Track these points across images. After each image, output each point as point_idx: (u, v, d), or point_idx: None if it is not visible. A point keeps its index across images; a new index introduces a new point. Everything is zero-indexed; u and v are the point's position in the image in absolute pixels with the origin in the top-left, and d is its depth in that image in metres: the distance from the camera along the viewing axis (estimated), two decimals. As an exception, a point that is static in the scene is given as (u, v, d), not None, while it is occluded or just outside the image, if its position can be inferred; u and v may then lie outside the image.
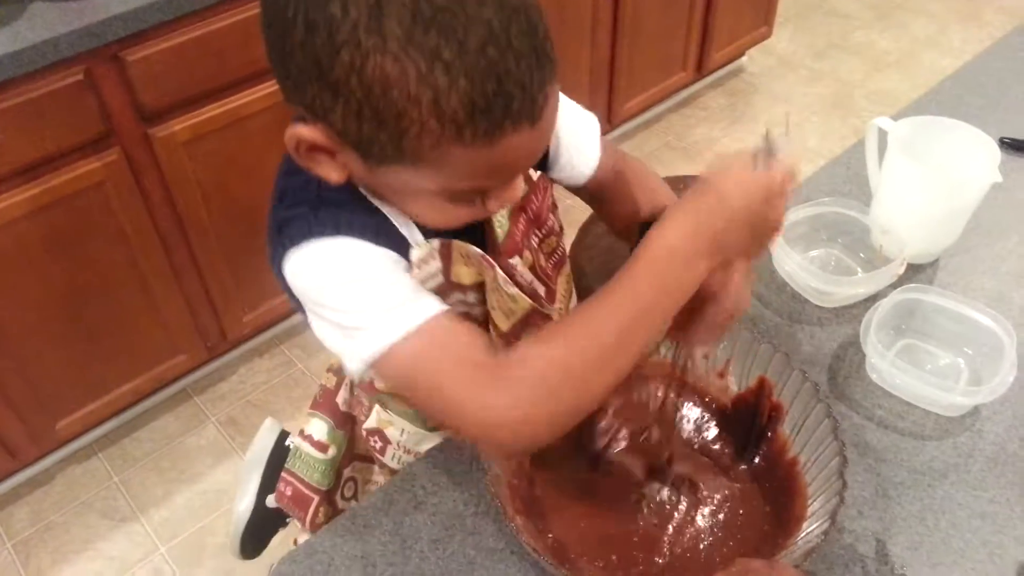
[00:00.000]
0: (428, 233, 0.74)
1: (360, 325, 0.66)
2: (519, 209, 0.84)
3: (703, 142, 2.91)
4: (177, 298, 1.87)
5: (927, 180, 1.05)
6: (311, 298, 0.70)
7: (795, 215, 1.11)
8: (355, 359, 0.67)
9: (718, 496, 0.83)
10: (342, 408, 1.05)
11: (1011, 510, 0.83)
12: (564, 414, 0.64)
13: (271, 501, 1.34)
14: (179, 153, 1.70)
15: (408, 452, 1.00)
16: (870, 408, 0.94)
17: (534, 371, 0.63)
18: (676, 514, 0.82)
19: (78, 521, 1.87)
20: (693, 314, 0.73)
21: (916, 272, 1.10)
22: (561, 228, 0.93)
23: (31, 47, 1.42)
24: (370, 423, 0.99)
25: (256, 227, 1.93)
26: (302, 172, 0.68)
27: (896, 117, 1.14)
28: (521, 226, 0.84)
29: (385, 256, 0.69)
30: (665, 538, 0.80)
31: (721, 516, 0.82)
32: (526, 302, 0.81)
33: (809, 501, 0.77)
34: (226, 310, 1.99)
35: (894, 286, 1.02)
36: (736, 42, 2.98)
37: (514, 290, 0.80)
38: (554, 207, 0.91)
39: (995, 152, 1.05)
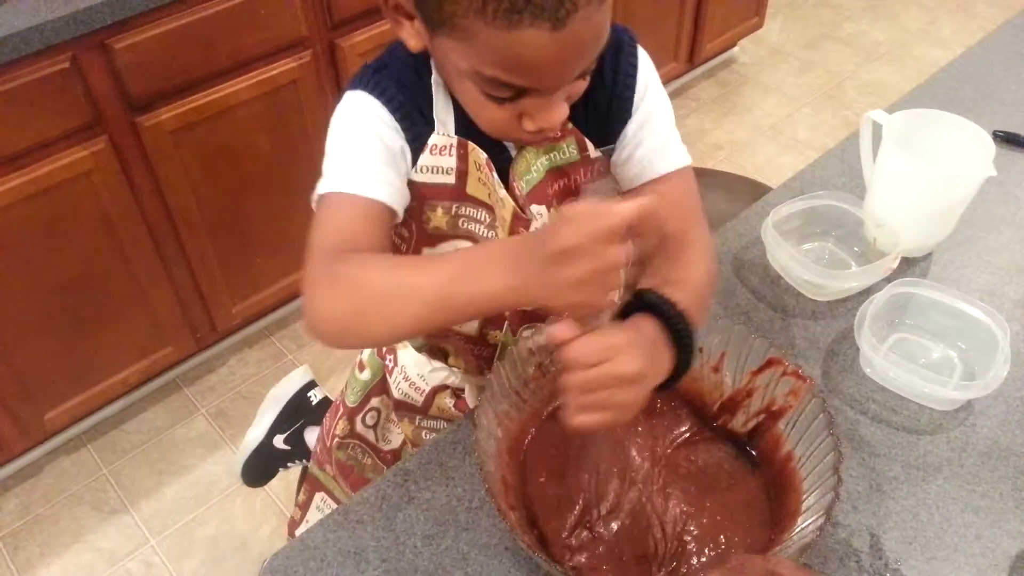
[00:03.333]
0: (461, 133, 0.81)
1: (326, 169, 0.78)
2: (560, 172, 0.86)
3: (694, 133, 2.90)
4: (166, 289, 1.86)
5: (921, 174, 1.05)
6: (329, 129, 0.81)
7: (789, 208, 1.11)
8: (314, 194, 0.78)
9: (713, 492, 0.83)
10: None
11: (1004, 504, 0.83)
12: (343, 323, 0.70)
13: (279, 442, 1.41)
14: (167, 142, 1.69)
15: (407, 379, 1.03)
16: (864, 402, 0.94)
17: (340, 277, 0.70)
18: (670, 510, 0.82)
19: (67, 513, 1.86)
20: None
21: (910, 266, 1.10)
22: None
23: (16, 34, 1.40)
24: None
25: (245, 217, 1.92)
26: (395, 45, 0.82)
27: (890, 109, 1.14)
28: (556, 187, 0.87)
29: (392, 139, 0.79)
30: (660, 534, 0.80)
31: (716, 512, 0.81)
32: (510, 204, 0.84)
33: (804, 496, 0.76)
34: (215, 301, 1.97)
35: (888, 280, 1.02)
36: (728, 32, 2.97)
37: (503, 193, 0.84)
38: None
39: (989, 146, 1.05)
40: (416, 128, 0.80)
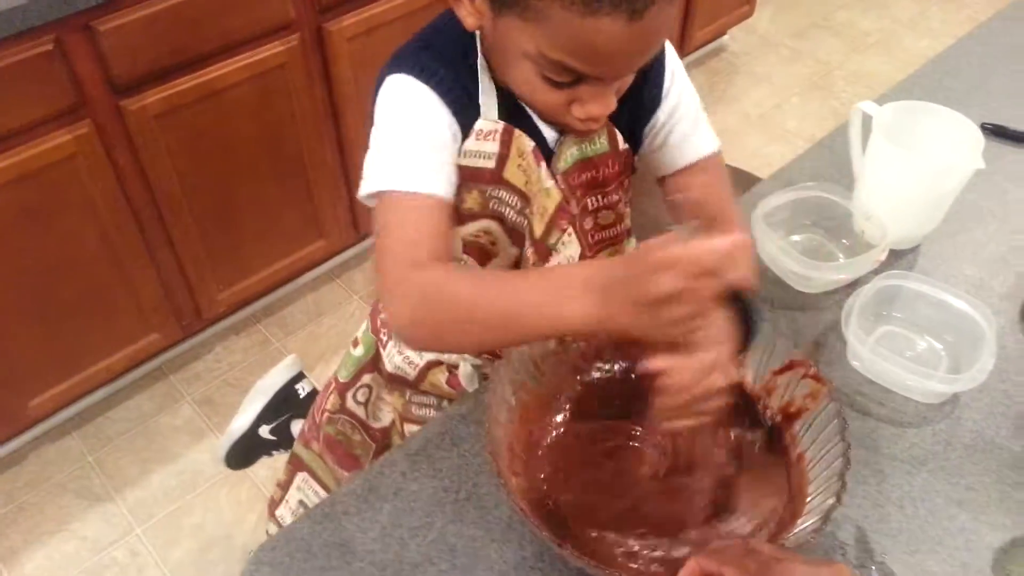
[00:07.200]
0: (503, 119, 0.82)
1: (379, 160, 0.78)
2: (588, 163, 0.88)
3: (684, 121, 2.89)
4: (150, 275, 1.84)
5: (911, 166, 1.05)
6: (375, 114, 0.80)
7: (777, 199, 1.11)
8: (368, 181, 0.77)
9: (719, 482, 0.83)
10: (380, 316, 1.08)
11: (987, 497, 0.84)
12: (425, 336, 0.73)
13: (264, 432, 1.41)
14: (151, 126, 1.66)
15: (400, 352, 1.03)
16: (850, 395, 0.94)
17: (423, 288, 0.71)
18: (672, 495, 0.81)
19: (52, 501, 1.85)
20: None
21: (897, 258, 1.10)
22: (625, 225, 0.97)
23: (-3, 15, 1.37)
24: (384, 314, 1.04)
25: (232, 202, 1.90)
26: (439, 21, 0.82)
27: (879, 101, 1.14)
28: (584, 177, 0.89)
29: (438, 121, 0.78)
30: (658, 516, 0.79)
31: (719, 501, 0.81)
32: (557, 196, 0.87)
33: (809, 499, 0.76)
34: (201, 287, 1.96)
35: (875, 272, 1.02)
36: (718, 20, 2.96)
37: (550, 183, 0.86)
38: (627, 202, 0.96)
39: (978, 138, 1.05)
40: (465, 112, 0.80)
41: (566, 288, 0.65)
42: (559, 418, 0.87)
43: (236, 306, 2.11)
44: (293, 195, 2.00)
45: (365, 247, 2.37)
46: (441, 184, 0.77)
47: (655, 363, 0.66)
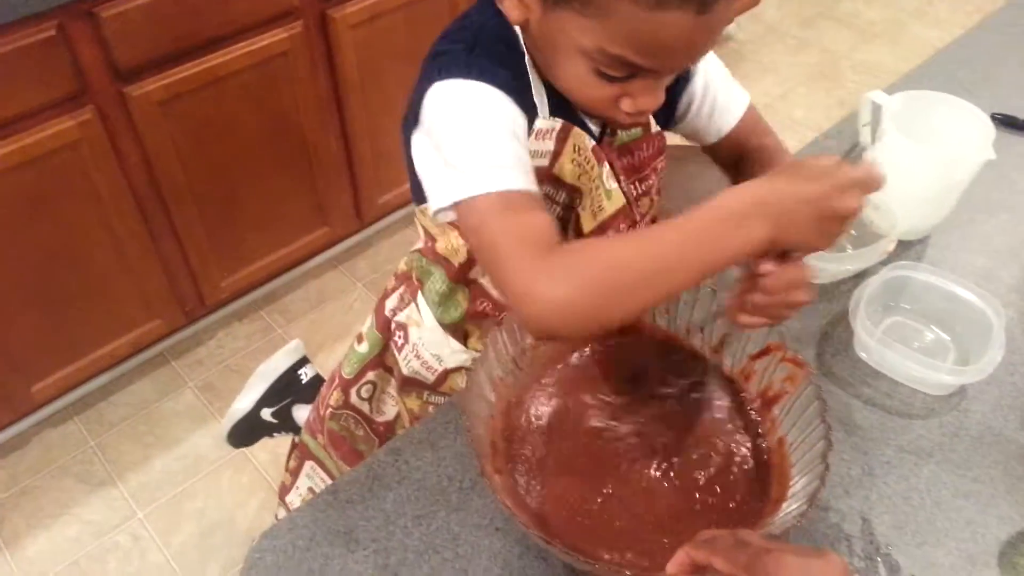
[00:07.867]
0: (556, 114, 0.80)
1: (458, 164, 0.71)
2: (625, 149, 0.88)
3: (689, 110, 2.88)
4: (153, 261, 1.84)
5: (921, 156, 1.04)
6: (433, 125, 0.75)
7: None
8: (444, 193, 0.72)
9: (699, 469, 0.82)
10: (386, 312, 1.06)
11: (994, 489, 0.84)
12: (590, 312, 0.66)
13: (266, 414, 1.41)
14: (154, 113, 1.66)
15: (419, 358, 1.02)
16: (857, 386, 0.93)
17: (580, 264, 0.66)
18: (654, 485, 0.81)
19: (54, 485, 1.85)
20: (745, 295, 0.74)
21: (905, 249, 1.09)
22: (656, 210, 0.98)
23: (0, 0, 1.36)
24: (400, 317, 1.02)
25: (235, 189, 1.90)
26: (466, 18, 0.79)
27: (888, 90, 1.13)
28: (621, 164, 0.89)
29: (510, 115, 0.74)
30: (641, 508, 0.79)
31: (701, 489, 0.81)
32: (620, 200, 0.87)
33: (792, 482, 0.76)
34: (204, 274, 1.96)
35: (884, 263, 1.01)
36: (725, 9, 2.94)
37: (613, 186, 0.86)
38: (659, 189, 0.96)
39: (989, 129, 1.04)
40: (528, 111, 0.77)
41: (737, 217, 0.65)
42: (540, 410, 0.86)
43: (238, 293, 2.11)
44: (296, 182, 2.00)
45: (368, 235, 2.37)
46: (521, 178, 0.71)
47: (764, 267, 0.70)
